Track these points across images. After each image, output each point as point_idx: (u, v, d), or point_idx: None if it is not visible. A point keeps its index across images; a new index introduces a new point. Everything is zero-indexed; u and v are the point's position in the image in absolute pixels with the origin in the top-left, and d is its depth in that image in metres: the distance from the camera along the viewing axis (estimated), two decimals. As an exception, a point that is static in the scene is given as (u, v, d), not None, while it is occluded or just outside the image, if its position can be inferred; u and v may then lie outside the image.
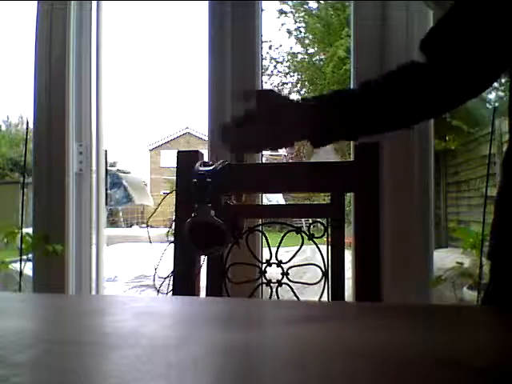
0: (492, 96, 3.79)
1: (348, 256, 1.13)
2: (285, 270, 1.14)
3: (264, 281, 1.15)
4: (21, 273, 1.94)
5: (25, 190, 2.21)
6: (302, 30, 7.68)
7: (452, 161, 4.96)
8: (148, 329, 0.59)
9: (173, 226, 1.16)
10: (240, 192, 1.22)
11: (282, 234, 1.16)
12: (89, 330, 0.59)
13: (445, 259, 2.28)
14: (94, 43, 2.07)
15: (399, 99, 0.93)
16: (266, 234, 1.20)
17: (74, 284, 2.01)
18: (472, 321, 0.65)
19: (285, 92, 7.95)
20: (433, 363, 0.45)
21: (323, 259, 1.10)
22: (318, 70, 7.61)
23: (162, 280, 1.14)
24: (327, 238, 1.11)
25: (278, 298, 1.13)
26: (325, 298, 1.08)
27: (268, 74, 7.70)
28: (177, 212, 1.16)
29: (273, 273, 1.15)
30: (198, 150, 1.19)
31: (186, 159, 1.16)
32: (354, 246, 1.15)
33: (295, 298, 1.14)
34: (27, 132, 2.07)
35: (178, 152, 1.20)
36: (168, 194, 1.25)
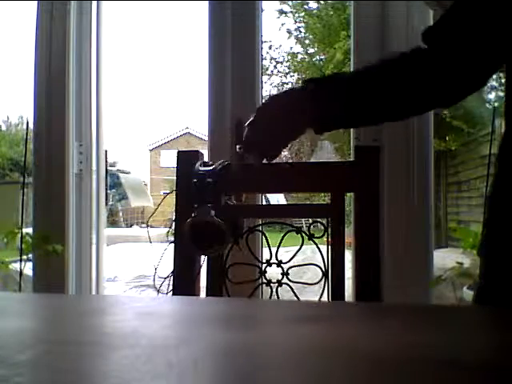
0: (492, 96, 3.79)
1: (348, 256, 1.13)
2: (285, 270, 1.14)
3: (264, 281, 1.15)
4: (21, 273, 1.94)
5: (25, 189, 2.22)
6: (302, 30, 7.68)
7: (452, 161, 4.96)
8: (148, 329, 0.59)
9: (173, 226, 1.16)
10: (240, 192, 1.22)
11: (282, 234, 1.16)
12: (89, 330, 0.59)
13: (445, 259, 2.28)
14: (93, 43, 2.07)
15: (398, 86, 0.92)
16: (266, 234, 1.20)
17: (74, 284, 2.01)
18: (472, 321, 0.65)
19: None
20: (433, 363, 0.45)
21: (323, 259, 1.10)
22: (318, 70, 7.61)
23: (162, 280, 1.14)
24: (327, 238, 1.11)
25: (278, 298, 1.13)
26: (325, 298, 1.08)
27: (268, 74, 7.69)
28: (177, 212, 1.16)
29: (273, 273, 1.15)
30: (198, 150, 1.19)
31: (186, 159, 1.16)
32: (354, 246, 1.15)
33: (295, 298, 1.14)
34: (27, 132, 2.07)
35: (178, 152, 1.20)
36: (168, 193, 1.25)
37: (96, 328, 0.61)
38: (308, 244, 1.13)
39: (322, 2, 7.43)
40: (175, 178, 1.18)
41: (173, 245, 1.14)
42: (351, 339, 0.54)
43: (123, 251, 5.19)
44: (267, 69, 7.62)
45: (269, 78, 7.71)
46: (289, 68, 7.96)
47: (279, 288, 1.13)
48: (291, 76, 8.00)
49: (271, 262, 1.14)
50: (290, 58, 7.89)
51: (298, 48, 7.92)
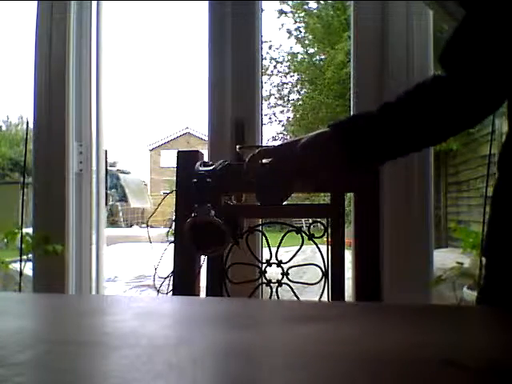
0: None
1: (348, 256, 1.13)
2: (285, 270, 1.14)
3: (264, 281, 1.15)
4: (21, 273, 1.94)
5: (25, 189, 2.21)
6: (302, 30, 7.68)
7: (452, 161, 4.96)
8: (148, 329, 0.59)
9: (173, 226, 1.16)
10: (240, 192, 1.22)
11: (282, 234, 1.16)
12: (89, 330, 0.59)
13: (445, 259, 2.28)
14: (93, 43, 2.07)
15: (425, 117, 0.91)
16: (266, 234, 1.20)
17: (73, 284, 2.01)
18: (472, 321, 0.65)
19: (285, 92, 7.95)
20: (433, 364, 0.45)
21: (323, 259, 1.10)
22: (318, 70, 7.61)
23: (162, 280, 1.14)
24: (327, 238, 1.11)
25: (278, 298, 1.13)
26: (325, 298, 1.08)
27: (268, 74, 7.70)
28: (177, 212, 1.16)
29: (273, 273, 1.15)
30: (198, 150, 1.19)
31: (186, 159, 1.16)
32: (354, 246, 1.15)
33: (295, 298, 1.14)
34: (27, 132, 2.07)
35: (178, 152, 1.20)
36: (168, 193, 1.25)
37: (96, 328, 0.61)
38: (308, 244, 1.13)
39: (321, 1, 7.43)
40: (175, 178, 1.18)
41: (173, 245, 1.14)
42: (351, 339, 0.54)
43: (123, 251, 5.19)
44: (267, 69, 7.63)
45: (269, 78, 7.71)
46: (289, 68, 7.96)
47: (279, 288, 1.13)
48: (291, 76, 8.00)
49: (271, 262, 1.14)
50: (289, 58, 7.90)
51: (298, 48, 7.93)
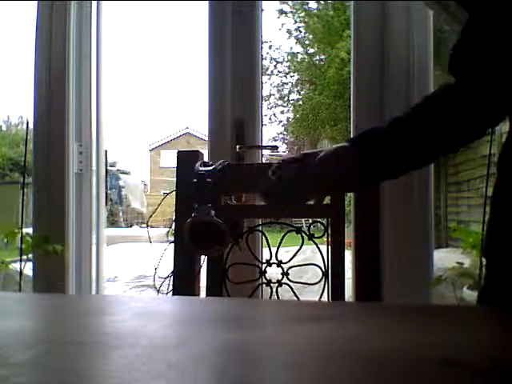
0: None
1: (348, 256, 1.13)
2: (285, 270, 1.14)
3: (264, 281, 1.15)
4: (21, 273, 1.94)
5: (25, 190, 2.22)
6: (302, 30, 7.68)
7: (452, 161, 4.96)
8: (148, 329, 0.59)
9: (173, 226, 1.16)
10: (240, 192, 1.22)
11: (282, 234, 1.16)
12: (89, 330, 0.59)
13: (445, 259, 2.28)
14: (94, 43, 2.07)
15: (440, 128, 0.90)
16: (266, 234, 1.20)
17: (74, 284, 2.01)
18: (472, 321, 0.65)
19: (285, 92, 7.96)
20: (433, 364, 0.45)
21: (323, 259, 1.10)
22: (318, 70, 7.61)
23: (162, 280, 1.14)
24: (327, 238, 1.11)
25: (278, 298, 1.13)
26: (325, 298, 1.08)
27: (268, 74, 7.70)
28: (177, 212, 1.16)
29: (273, 273, 1.15)
30: (198, 150, 1.19)
31: (186, 159, 1.16)
32: (354, 246, 1.15)
33: (295, 298, 1.14)
34: (27, 132, 2.07)
35: (178, 152, 1.20)
36: (168, 193, 1.25)
37: (96, 328, 0.61)
38: (308, 244, 1.13)
39: (322, 1, 7.43)
40: (175, 178, 1.18)
41: (173, 245, 1.14)
42: (351, 339, 0.54)
43: (123, 251, 5.19)
44: (267, 69, 7.63)
45: (269, 78, 7.72)
46: (289, 68, 7.97)
47: (279, 288, 1.13)
48: (291, 76, 8.01)
49: (271, 262, 1.14)
50: (289, 58, 7.90)
51: (298, 48, 7.93)
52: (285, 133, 8.26)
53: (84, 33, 2.05)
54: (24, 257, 1.93)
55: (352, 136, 0.95)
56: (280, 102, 7.93)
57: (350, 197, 1.27)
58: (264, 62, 7.53)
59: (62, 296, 1.31)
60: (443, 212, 4.82)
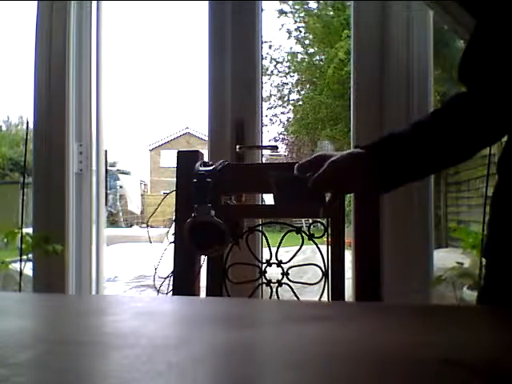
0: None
1: (348, 256, 1.13)
2: (285, 270, 1.14)
3: (264, 281, 1.15)
4: (21, 273, 1.94)
5: (25, 189, 2.22)
6: (302, 30, 7.68)
7: (452, 161, 4.94)
8: (148, 329, 0.59)
9: (173, 226, 1.16)
10: (240, 192, 1.22)
11: (282, 234, 1.16)
12: (89, 330, 0.59)
13: (445, 259, 2.28)
14: (94, 43, 2.07)
15: (456, 134, 0.91)
16: (266, 234, 1.20)
17: (74, 284, 2.01)
18: (472, 321, 0.65)
19: (285, 92, 7.96)
20: (433, 364, 0.45)
21: (323, 259, 1.10)
22: (318, 70, 7.61)
23: (162, 280, 1.14)
24: (327, 238, 1.11)
25: (278, 298, 1.13)
26: (325, 298, 1.08)
27: (268, 74, 7.69)
28: (177, 212, 1.16)
29: (273, 273, 1.15)
30: (198, 150, 1.19)
31: (186, 159, 1.16)
32: (354, 245, 1.15)
33: (295, 298, 1.14)
34: (27, 132, 2.07)
35: (178, 152, 1.20)
36: (168, 193, 1.25)
37: (96, 328, 0.61)
38: (308, 244, 1.13)
39: (321, 1, 7.43)
40: (175, 178, 1.18)
41: (173, 245, 1.14)
42: (351, 339, 0.54)
43: (123, 251, 5.19)
44: (267, 69, 7.62)
45: (269, 78, 7.71)
46: (289, 68, 7.96)
47: (279, 288, 1.13)
48: (291, 76, 8.00)
49: (271, 262, 1.14)
50: (289, 58, 7.89)
51: (298, 48, 7.93)
52: (285, 133, 8.25)
53: (84, 33, 2.05)
54: (24, 257, 1.93)
55: (370, 142, 0.95)
56: (280, 102, 7.93)
57: (350, 197, 1.27)
58: (264, 62, 7.53)
59: (62, 296, 1.31)
60: (443, 212, 4.82)
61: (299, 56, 7.94)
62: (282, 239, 1.15)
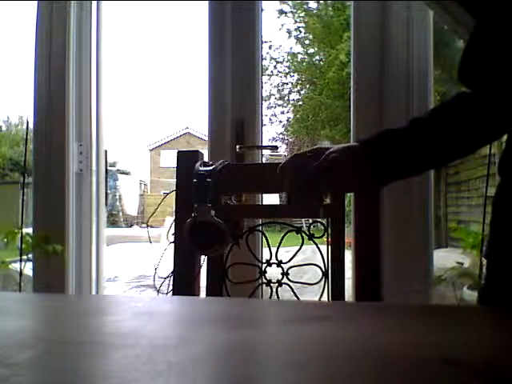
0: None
1: (348, 256, 1.13)
2: (285, 270, 1.14)
3: (264, 281, 1.15)
4: (21, 273, 1.94)
5: (25, 189, 2.21)
6: (302, 30, 7.68)
7: (452, 161, 4.94)
8: (148, 329, 0.59)
9: (173, 226, 1.16)
10: (240, 192, 1.22)
11: (282, 234, 1.16)
12: (89, 330, 0.59)
13: (445, 259, 2.28)
14: (94, 43, 2.07)
15: (455, 133, 0.91)
16: (266, 234, 1.20)
17: (74, 284, 2.01)
18: (472, 321, 0.65)
19: (285, 92, 7.96)
20: (433, 364, 0.45)
21: (323, 259, 1.10)
22: (318, 70, 7.61)
23: (162, 280, 1.14)
24: (327, 238, 1.11)
25: (278, 298, 1.13)
26: (325, 298, 1.08)
27: (268, 74, 7.69)
28: (177, 212, 1.16)
29: (273, 273, 1.15)
30: (198, 150, 1.19)
31: (186, 159, 1.16)
32: (354, 246, 1.15)
33: (295, 298, 1.14)
34: (27, 132, 2.07)
35: (178, 152, 1.20)
36: (168, 194, 1.25)
37: (96, 328, 0.61)
38: (308, 244, 1.13)
39: (321, 1, 7.43)
40: (175, 178, 1.18)
41: (173, 245, 1.14)
42: (351, 339, 0.54)
43: (123, 251, 5.19)
44: (267, 69, 7.62)
45: (269, 78, 7.71)
46: (289, 68, 7.96)
47: (279, 288, 1.13)
48: (291, 76, 8.00)
49: (271, 262, 1.14)
50: (289, 58, 7.89)
51: (298, 48, 7.92)
52: (285, 133, 8.25)
53: (84, 33, 2.05)
54: (24, 257, 1.93)
55: (367, 137, 0.95)
56: (280, 102, 7.92)
57: (349, 197, 1.27)
58: (264, 62, 7.52)
59: (61, 296, 1.31)
60: (443, 212, 4.82)
61: (299, 56, 7.94)
62: (281, 239, 1.15)
